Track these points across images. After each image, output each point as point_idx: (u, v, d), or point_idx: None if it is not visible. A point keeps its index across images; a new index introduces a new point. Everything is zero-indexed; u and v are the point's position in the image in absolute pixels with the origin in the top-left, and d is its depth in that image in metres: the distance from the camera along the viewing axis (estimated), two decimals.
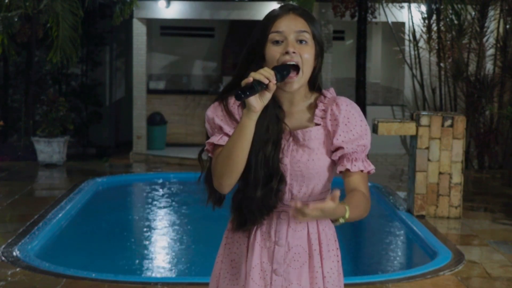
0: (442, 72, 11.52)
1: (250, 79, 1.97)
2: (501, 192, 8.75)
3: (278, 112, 2.14)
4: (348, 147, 2.14)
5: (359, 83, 11.45)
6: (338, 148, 2.15)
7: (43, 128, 10.13)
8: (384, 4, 12.11)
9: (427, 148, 6.85)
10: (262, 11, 13.59)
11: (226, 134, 2.14)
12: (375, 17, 11.86)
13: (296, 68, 2.09)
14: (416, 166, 6.87)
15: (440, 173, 6.87)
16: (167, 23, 14.62)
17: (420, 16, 11.81)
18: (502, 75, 10.96)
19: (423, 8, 11.67)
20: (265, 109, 2.09)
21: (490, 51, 11.34)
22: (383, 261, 6.26)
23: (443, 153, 6.85)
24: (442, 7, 11.09)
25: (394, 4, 12.31)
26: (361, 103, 11.39)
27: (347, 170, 2.15)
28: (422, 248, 6.19)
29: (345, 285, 4.80)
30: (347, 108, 2.16)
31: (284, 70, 2.05)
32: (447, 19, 11.11)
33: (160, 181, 9.70)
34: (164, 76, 14.91)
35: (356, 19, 11.55)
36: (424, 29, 11.63)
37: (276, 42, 2.10)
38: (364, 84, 11.48)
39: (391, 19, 12.27)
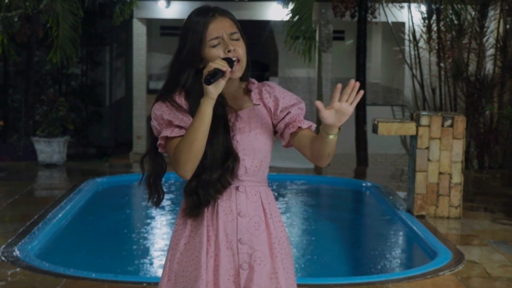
0: (442, 72, 11.52)
1: (211, 66, 2.28)
2: (501, 192, 8.75)
3: (220, 100, 2.39)
4: (293, 111, 2.45)
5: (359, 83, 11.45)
6: (285, 116, 2.45)
7: (43, 128, 10.12)
8: (384, 4, 12.11)
9: (427, 148, 6.85)
10: (262, 11, 13.59)
11: (177, 126, 2.39)
12: (375, 17, 11.86)
13: (237, 60, 2.40)
14: (416, 166, 6.86)
15: (440, 173, 6.87)
16: (167, 23, 14.62)
17: (420, 16, 11.81)
18: (502, 75, 10.97)
19: (423, 8, 11.67)
20: None
21: (490, 51, 11.35)
22: (383, 261, 6.26)
23: (443, 153, 6.85)
24: (442, 7, 11.09)
25: (394, 4, 12.31)
26: (361, 103, 11.39)
27: (299, 128, 2.45)
28: (422, 248, 6.19)
29: (346, 285, 4.82)
30: (277, 87, 2.52)
31: (231, 61, 2.36)
32: (447, 19, 11.11)
33: None
34: (164, 76, 14.91)
35: (356, 19, 11.55)
36: (424, 29, 11.64)
37: (215, 46, 2.40)
38: (364, 84, 11.48)
39: (391, 19, 12.27)
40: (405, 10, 12.47)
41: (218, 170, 2.37)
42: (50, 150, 9.95)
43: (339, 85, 2.26)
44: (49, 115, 10.01)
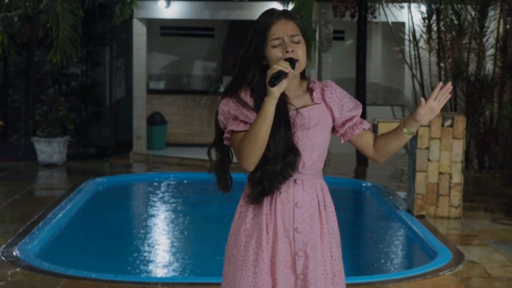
0: (442, 72, 11.52)
1: (276, 69, 2.44)
2: (501, 192, 8.75)
3: (283, 97, 2.55)
4: (358, 114, 2.67)
5: (359, 83, 11.45)
6: (351, 118, 2.66)
7: (43, 128, 10.12)
8: (384, 4, 12.11)
9: (427, 148, 6.85)
10: (262, 11, 13.54)
11: (242, 121, 2.56)
12: (375, 17, 11.85)
13: (296, 61, 2.55)
14: (416, 166, 6.86)
15: (440, 173, 6.87)
16: (167, 23, 14.62)
17: (420, 16, 11.80)
18: (502, 75, 10.96)
19: (423, 8, 11.67)
20: None
21: (490, 51, 11.34)
22: (383, 261, 6.26)
23: (443, 153, 6.85)
24: (442, 7, 11.08)
25: (394, 4, 12.30)
26: (361, 103, 11.37)
27: (364, 129, 2.68)
28: (422, 248, 6.19)
29: (346, 285, 4.80)
30: (337, 87, 2.69)
31: (292, 62, 2.51)
32: (447, 19, 11.10)
33: (160, 181, 9.70)
34: (164, 76, 14.90)
35: (356, 19, 11.55)
36: (424, 29, 11.63)
37: (275, 46, 2.56)
38: (364, 84, 11.47)
39: (391, 19, 12.27)
40: (405, 10, 12.46)
41: (280, 163, 2.54)
42: (50, 150, 9.95)
43: (440, 83, 2.52)
44: (49, 115, 10.01)
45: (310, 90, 2.66)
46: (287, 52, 2.54)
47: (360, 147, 2.72)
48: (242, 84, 2.59)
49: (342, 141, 2.73)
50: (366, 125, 2.69)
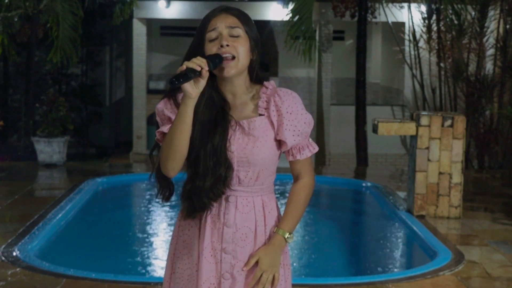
0: (442, 72, 11.53)
1: (183, 67, 2.19)
2: (501, 192, 8.75)
3: (223, 105, 2.33)
4: (296, 139, 2.35)
5: (359, 83, 11.45)
6: (286, 140, 2.34)
7: (43, 128, 10.12)
8: (384, 4, 12.12)
9: (427, 148, 6.85)
10: (262, 11, 13.57)
11: None
12: (375, 17, 11.87)
13: (232, 57, 2.29)
14: (416, 166, 6.86)
15: (440, 173, 6.87)
16: (167, 23, 14.62)
17: (420, 16, 11.82)
18: (502, 75, 10.97)
19: (423, 8, 11.68)
20: (211, 102, 2.32)
21: (490, 51, 11.35)
22: (383, 261, 6.26)
23: (443, 153, 6.85)
24: (442, 7, 11.10)
25: (394, 4, 12.32)
26: (361, 103, 11.40)
27: (297, 160, 2.40)
28: (422, 248, 6.19)
29: (345, 285, 4.81)
30: (289, 98, 2.36)
31: (216, 58, 2.25)
32: (447, 19, 11.12)
33: None
34: (164, 76, 14.91)
35: (356, 19, 11.56)
36: (424, 29, 11.64)
37: (212, 40, 2.31)
38: (364, 84, 11.48)
39: (391, 19, 12.28)
40: (405, 10, 12.47)
41: (211, 178, 2.30)
42: (50, 150, 9.95)
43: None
44: (49, 115, 10.01)
45: (259, 98, 2.36)
46: (221, 46, 2.27)
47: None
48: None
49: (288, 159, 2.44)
50: (303, 155, 2.39)
